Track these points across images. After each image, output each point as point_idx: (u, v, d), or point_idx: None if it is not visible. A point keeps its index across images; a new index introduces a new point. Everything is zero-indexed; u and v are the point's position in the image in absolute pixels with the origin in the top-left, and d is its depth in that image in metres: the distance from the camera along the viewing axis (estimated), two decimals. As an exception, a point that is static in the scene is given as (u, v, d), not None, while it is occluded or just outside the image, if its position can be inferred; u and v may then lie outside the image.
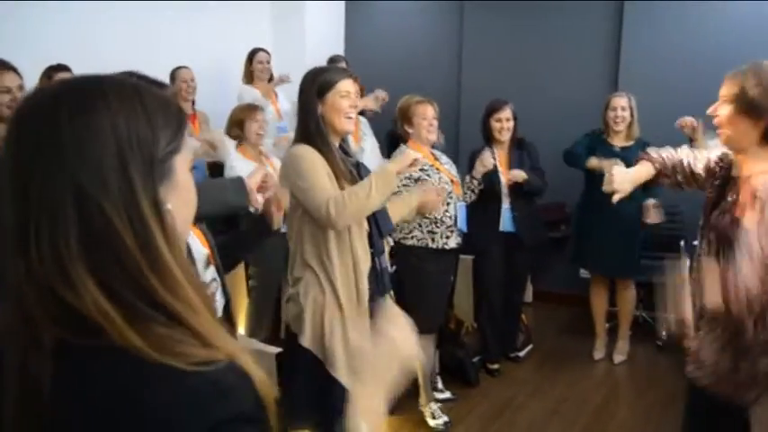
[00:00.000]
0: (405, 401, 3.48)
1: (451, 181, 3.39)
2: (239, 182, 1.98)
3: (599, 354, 4.36)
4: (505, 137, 3.96)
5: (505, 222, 3.98)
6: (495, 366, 4.14)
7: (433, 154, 3.45)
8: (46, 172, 0.71)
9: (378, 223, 2.39)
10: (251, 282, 4.03)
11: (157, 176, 0.76)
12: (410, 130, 3.38)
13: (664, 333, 4.31)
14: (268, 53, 5.05)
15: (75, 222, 0.70)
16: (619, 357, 4.32)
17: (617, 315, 4.40)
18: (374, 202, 2.22)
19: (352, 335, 2.26)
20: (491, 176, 3.88)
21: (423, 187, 2.99)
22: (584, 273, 4.53)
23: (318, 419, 2.35)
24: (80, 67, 3.73)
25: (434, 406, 3.56)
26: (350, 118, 2.33)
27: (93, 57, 3.46)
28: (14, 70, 2.69)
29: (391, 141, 4.34)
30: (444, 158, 3.52)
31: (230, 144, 4.01)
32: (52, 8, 4.15)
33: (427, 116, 3.34)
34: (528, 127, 4.47)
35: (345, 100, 2.30)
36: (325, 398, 2.26)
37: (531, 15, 5.41)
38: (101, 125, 0.73)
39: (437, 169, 3.36)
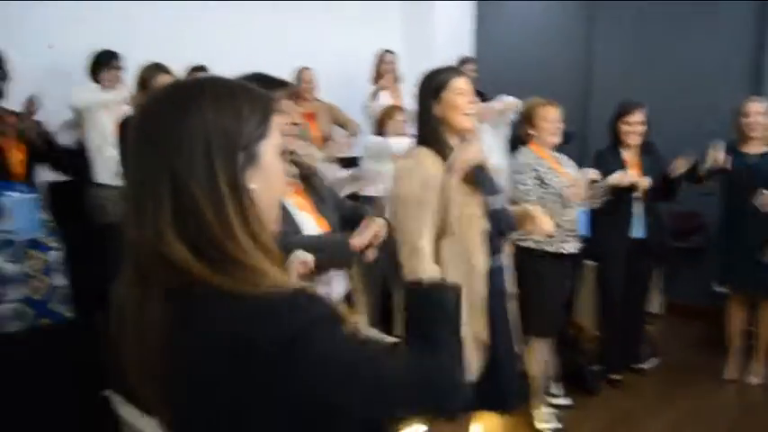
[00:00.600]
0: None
1: (572, 185, 3.34)
2: (344, 244, 1.98)
3: (731, 374, 4.11)
4: (636, 141, 3.82)
5: (636, 228, 3.84)
6: (617, 377, 4.02)
7: (554, 157, 3.42)
8: (150, 159, 0.91)
9: (496, 222, 2.43)
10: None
11: (240, 162, 0.93)
12: (533, 133, 3.36)
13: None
14: (394, 54, 5.15)
15: (169, 199, 0.89)
16: (754, 379, 4.05)
17: (755, 335, 4.13)
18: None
19: (467, 332, 2.32)
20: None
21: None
22: (719, 287, 4.28)
23: None
24: (214, 68, 4.09)
25: (547, 410, 3.53)
26: (467, 115, 2.35)
27: (226, 57, 3.78)
28: (169, 72, 2.95)
29: (513, 143, 4.34)
30: (566, 161, 3.47)
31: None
32: (189, 13, 4.52)
33: (551, 119, 3.32)
34: (660, 131, 4.30)
35: (461, 97, 2.33)
36: None
37: (665, 16, 5.18)
38: (193, 122, 0.91)
39: (557, 172, 3.33)
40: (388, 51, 5.17)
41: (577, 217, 3.37)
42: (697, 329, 4.84)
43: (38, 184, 3.04)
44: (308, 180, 2.12)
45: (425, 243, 2.26)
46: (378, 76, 5.12)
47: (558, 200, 3.26)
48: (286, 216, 1.87)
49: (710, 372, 4.15)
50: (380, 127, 4.26)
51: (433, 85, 2.36)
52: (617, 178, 3.63)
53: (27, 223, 2.78)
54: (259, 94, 1.00)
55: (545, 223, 2.55)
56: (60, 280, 2.90)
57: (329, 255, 1.96)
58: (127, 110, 3.37)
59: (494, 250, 2.42)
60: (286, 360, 0.85)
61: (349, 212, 2.29)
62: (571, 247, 3.35)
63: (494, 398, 2.42)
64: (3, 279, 2.74)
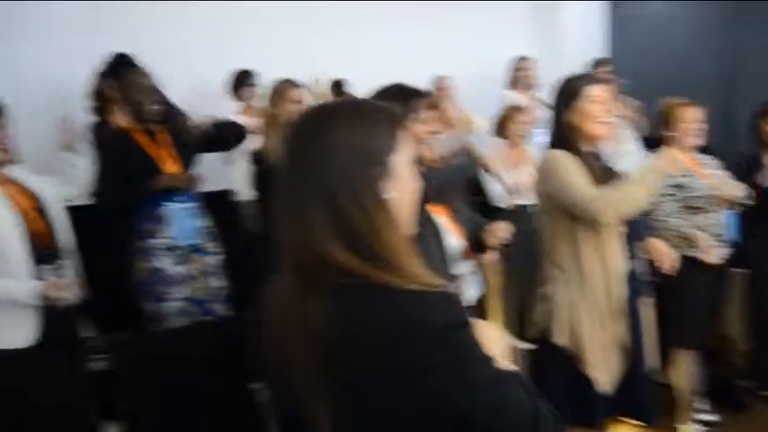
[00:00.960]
0: (662, 418, 3.37)
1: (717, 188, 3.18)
2: None
3: None
4: None
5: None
6: (768, 394, 3.77)
7: (696, 159, 3.27)
8: (300, 177, 1.04)
9: (634, 226, 2.40)
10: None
11: (377, 174, 1.03)
12: (671, 134, 3.24)
13: None
14: (531, 60, 5.12)
15: (327, 213, 1.01)
16: None
17: None
18: (642, 198, 2.21)
19: (602, 335, 2.31)
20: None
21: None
22: None
23: (574, 415, 2.42)
24: (354, 81, 4.29)
25: (695, 427, 3.38)
26: (602, 123, 2.34)
27: (365, 66, 3.96)
28: (299, 87, 3.15)
29: (649, 146, 4.19)
30: (710, 162, 3.31)
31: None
32: (325, 30, 4.76)
33: (690, 119, 3.18)
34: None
35: (595, 105, 2.32)
36: (580, 393, 2.34)
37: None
38: (331, 142, 1.03)
39: (699, 175, 3.19)
40: (523, 58, 5.15)
41: (725, 222, 3.21)
42: None
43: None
44: (441, 192, 2.13)
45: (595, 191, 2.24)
46: (514, 82, 5.12)
47: (702, 204, 3.12)
48: (433, 226, 1.93)
49: None
50: (500, 128, 4.25)
51: (566, 93, 2.37)
52: None
53: (186, 230, 3.04)
54: (386, 110, 1.11)
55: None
56: (219, 281, 3.16)
57: None
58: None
59: (631, 254, 2.40)
60: (437, 352, 0.95)
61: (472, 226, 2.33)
62: (717, 254, 3.19)
63: (632, 405, 2.39)
64: (168, 280, 3.02)
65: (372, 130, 1.05)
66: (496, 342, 1.16)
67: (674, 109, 3.23)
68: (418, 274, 1.00)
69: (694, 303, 3.19)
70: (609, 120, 2.36)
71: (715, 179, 3.22)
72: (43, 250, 2.47)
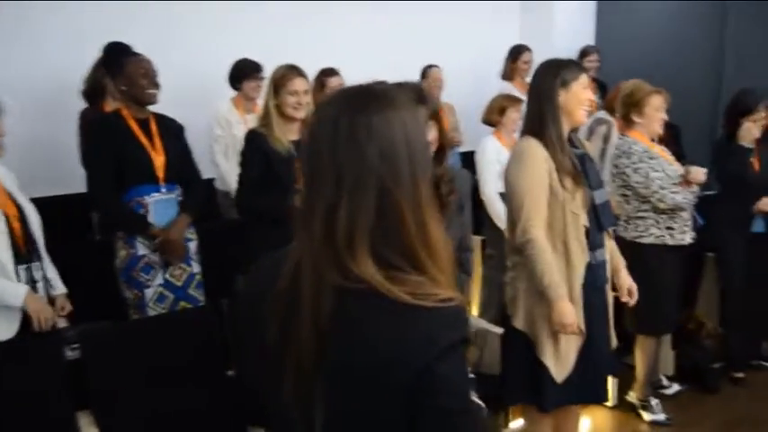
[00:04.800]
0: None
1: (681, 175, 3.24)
2: None
3: None
4: (756, 135, 3.67)
5: (757, 223, 3.68)
6: (740, 375, 3.86)
7: (657, 146, 3.32)
8: (356, 166, 0.94)
9: (598, 217, 2.45)
10: (487, 251, 4.22)
11: (429, 168, 1.00)
12: (638, 120, 3.26)
13: None
14: (531, 51, 5.11)
15: (374, 205, 0.93)
16: None
17: None
18: (536, 283, 2.33)
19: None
20: (743, 176, 3.62)
21: None
22: None
23: (528, 398, 2.50)
24: (341, 66, 4.30)
25: (654, 402, 3.47)
26: (586, 110, 2.42)
27: (356, 59, 3.97)
28: (304, 76, 3.04)
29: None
30: (667, 151, 3.37)
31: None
32: (316, 16, 4.76)
33: (662, 109, 3.24)
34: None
35: (586, 92, 2.41)
36: (535, 378, 2.41)
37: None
38: (397, 131, 0.95)
39: (668, 161, 3.24)
40: (526, 49, 5.13)
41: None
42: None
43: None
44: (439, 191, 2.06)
45: (539, 233, 2.34)
46: (511, 73, 5.12)
47: (677, 188, 3.18)
48: None
49: None
50: (493, 118, 4.24)
51: (562, 75, 2.39)
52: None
53: (167, 218, 3.08)
54: (413, 88, 1.10)
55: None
56: (196, 268, 3.21)
57: None
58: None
59: (595, 245, 2.45)
60: (425, 372, 0.91)
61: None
62: (689, 237, 3.27)
63: (586, 391, 2.47)
64: (147, 266, 3.07)
65: (422, 123, 1.07)
66: None
67: (645, 96, 3.26)
68: (443, 287, 0.96)
69: (665, 290, 3.25)
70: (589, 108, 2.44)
71: (678, 164, 3.28)
72: (20, 250, 2.53)
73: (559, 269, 2.37)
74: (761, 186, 3.64)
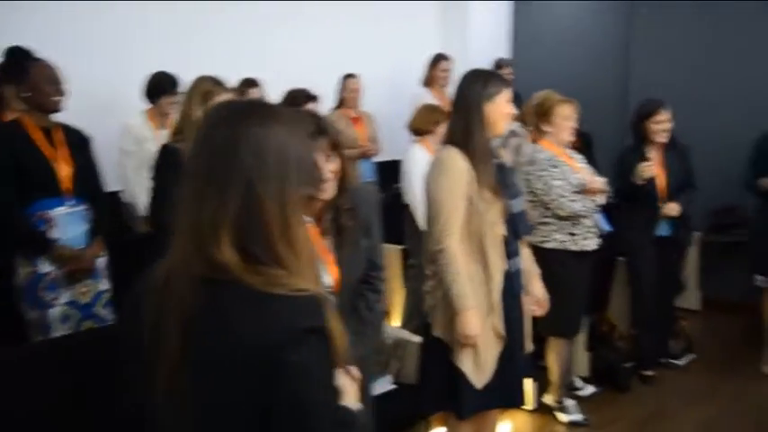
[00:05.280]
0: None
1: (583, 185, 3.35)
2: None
3: (768, 368, 4.08)
4: (664, 139, 3.82)
5: (663, 226, 3.84)
6: (650, 373, 4.02)
7: (566, 153, 3.43)
8: (227, 166, 1.02)
9: (514, 226, 2.50)
10: (409, 261, 4.23)
11: (305, 180, 1.07)
12: (548, 129, 3.36)
13: None
14: (450, 60, 5.16)
15: (239, 202, 1.01)
16: None
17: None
18: (449, 293, 2.36)
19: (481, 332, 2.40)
20: (648, 180, 3.77)
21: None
22: (759, 281, 4.22)
23: (447, 405, 2.51)
24: (262, 76, 4.23)
25: (570, 403, 3.57)
26: (507, 122, 2.49)
27: (275, 67, 3.90)
28: (229, 90, 2.98)
29: None
30: (580, 158, 3.49)
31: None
32: (236, 24, 4.67)
33: (570, 118, 3.34)
34: (701, 122, 4.27)
35: (509, 105, 2.46)
36: (453, 385, 2.42)
37: (705, 14, 5.14)
38: (274, 139, 1.04)
39: (574, 169, 3.35)
40: (445, 57, 5.17)
41: (597, 215, 3.39)
42: (737, 325, 4.78)
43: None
44: (340, 217, 1.91)
45: (453, 243, 2.36)
46: (430, 81, 5.16)
47: (577, 197, 3.28)
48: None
49: (748, 367, 4.11)
50: (417, 126, 4.27)
51: (488, 86, 2.43)
52: (641, 170, 3.70)
53: (72, 234, 2.94)
54: (311, 119, 1.20)
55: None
56: (105, 285, 3.07)
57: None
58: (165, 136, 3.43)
59: (511, 254, 2.49)
60: (278, 358, 0.96)
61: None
62: (593, 243, 3.37)
63: (505, 396, 2.50)
64: (52, 284, 2.91)
65: (307, 136, 1.11)
66: (350, 389, 1.20)
67: (554, 105, 3.36)
68: (301, 278, 1.02)
69: (571, 293, 3.34)
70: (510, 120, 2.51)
71: (585, 173, 3.39)
72: None
73: (478, 278, 2.40)
74: (665, 191, 3.81)
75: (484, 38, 5.86)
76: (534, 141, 3.49)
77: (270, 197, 1.02)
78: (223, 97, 2.88)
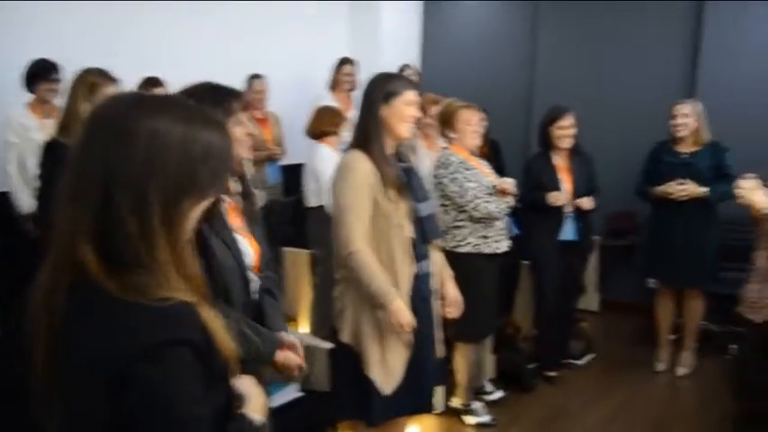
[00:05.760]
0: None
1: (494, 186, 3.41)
2: (272, 341, 1.86)
3: (661, 365, 4.28)
4: (568, 144, 3.94)
5: (568, 231, 3.96)
6: (552, 373, 4.13)
7: (475, 159, 3.47)
8: (90, 165, 0.97)
9: (423, 229, 2.48)
10: (317, 268, 4.17)
11: (181, 183, 0.99)
12: (453, 135, 3.41)
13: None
14: (355, 64, 5.15)
15: (99, 201, 0.95)
16: (682, 370, 4.22)
17: (683, 327, 4.30)
18: (365, 293, 2.34)
19: (387, 336, 2.37)
20: (554, 186, 3.89)
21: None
22: (652, 283, 4.44)
23: (356, 413, 2.47)
24: (167, 78, 4.05)
25: (477, 405, 3.61)
26: (408, 126, 2.42)
27: (181, 65, 3.72)
28: (116, 81, 2.86)
29: None
30: (486, 164, 3.55)
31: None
32: (142, 18, 4.47)
33: (472, 122, 3.38)
34: (601, 130, 4.41)
35: (410, 108, 2.41)
36: (361, 392, 2.38)
37: (607, 17, 5.33)
38: (139, 140, 0.96)
39: (483, 173, 3.40)
40: (349, 61, 5.15)
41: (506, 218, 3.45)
42: (632, 325, 5.00)
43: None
44: (247, 199, 2.00)
45: (362, 245, 2.33)
46: (335, 84, 5.13)
47: (490, 198, 3.32)
48: (232, 240, 1.82)
49: (643, 365, 4.31)
50: (314, 129, 4.24)
51: (385, 90, 2.40)
52: (553, 198, 3.81)
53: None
54: (214, 114, 1.09)
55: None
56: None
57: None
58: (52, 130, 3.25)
59: (420, 257, 2.48)
60: (129, 373, 0.91)
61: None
62: (504, 245, 3.43)
63: (414, 402, 2.49)
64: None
65: (200, 134, 1.00)
66: (255, 398, 1.17)
67: (456, 112, 3.40)
68: (168, 287, 0.96)
69: (485, 297, 3.37)
70: (414, 123, 2.44)
71: (494, 177, 3.45)
72: None
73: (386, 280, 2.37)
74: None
75: (394, 40, 5.88)
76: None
77: (128, 201, 0.96)
78: (110, 90, 2.74)
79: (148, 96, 1.09)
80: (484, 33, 6.05)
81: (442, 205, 3.35)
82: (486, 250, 3.36)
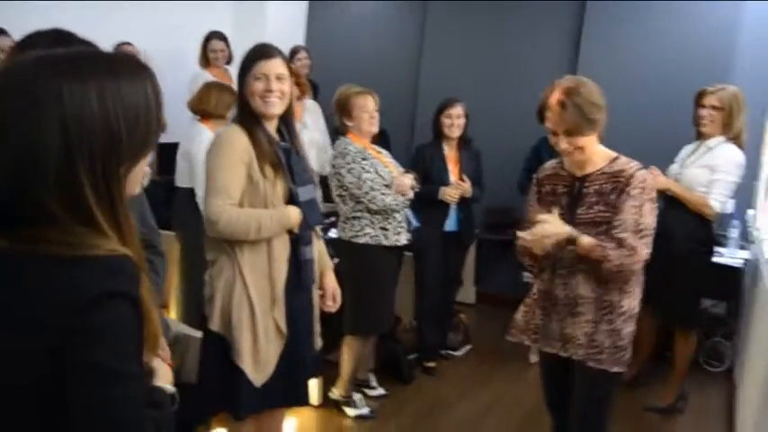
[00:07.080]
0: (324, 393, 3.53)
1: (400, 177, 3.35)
2: None
3: (535, 357, 4.38)
4: (455, 133, 3.96)
5: (451, 222, 3.98)
6: (432, 364, 4.14)
7: (374, 148, 3.41)
8: (32, 119, 0.90)
9: (304, 214, 2.33)
10: (182, 251, 3.92)
11: (129, 134, 0.97)
12: (349, 123, 3.32)
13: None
14: (223, 39, 4.96)
15: (54, 160, 0.90)
16: (534, 358, 4.34)
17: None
18: (260, 236, 2.21)
19: (260, 325, 2.22)
20: (441, 175, 3.88)
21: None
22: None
23: (222, 405, 2.30)
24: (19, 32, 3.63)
25: (357, 397, 3.54)
26: (266, 101, 2.23)
27: (41, 23, 3.33)
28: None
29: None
30: (386, 153, 3.48)
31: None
32: None
33: (368, 108, 3.30)
34: (485, 126, 4.45)
35: (259, 83, 2.23)
36: (230, 383, 2.23)
37: (493, 14, 5.44)
38: (91, 97, 0.92)
39: (382, 163, 3.32)
40: (216, 37, 4.92)
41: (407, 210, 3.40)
42: (507, 317, 5.05)
43: None
44: None
45: (231, 208, 2.20)
46: (205, 60, 4.89)
47: (388, 191, 3.24)
48: None
49: (518, 356, 4.40)
50: (201, 105, 3.96)
51: (242, 64, 2.29)
52: (446, 194, 3.83)
53: None
54: (142, 66, 1.06)
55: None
56: None
57: None
58: None
59: (302, 242, 2.34)
60: (75, 325, 0.88)
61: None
62: (404, 238, 3.37)
63: (288, 394, 2.35)
64: None
65: (134, 87, 0.98)
66: (164, 372, 1.17)
67: (351, 98, 3.30)
68: (112, 241, 0.95)
69: (384, 289, 3.31)
70: (272, 98, 2.24)
71: (393, 168, 3.39)
72: None
73: (260, 268, 2.24)
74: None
75: (279, 33, 5.68)
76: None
77: (80, 156, 0.92)
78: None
79: (56, 55, 0.98)
80: (370, 30, 6.08)
81: (340, 195, 3.24)
82: (386, 242, 3.29)
